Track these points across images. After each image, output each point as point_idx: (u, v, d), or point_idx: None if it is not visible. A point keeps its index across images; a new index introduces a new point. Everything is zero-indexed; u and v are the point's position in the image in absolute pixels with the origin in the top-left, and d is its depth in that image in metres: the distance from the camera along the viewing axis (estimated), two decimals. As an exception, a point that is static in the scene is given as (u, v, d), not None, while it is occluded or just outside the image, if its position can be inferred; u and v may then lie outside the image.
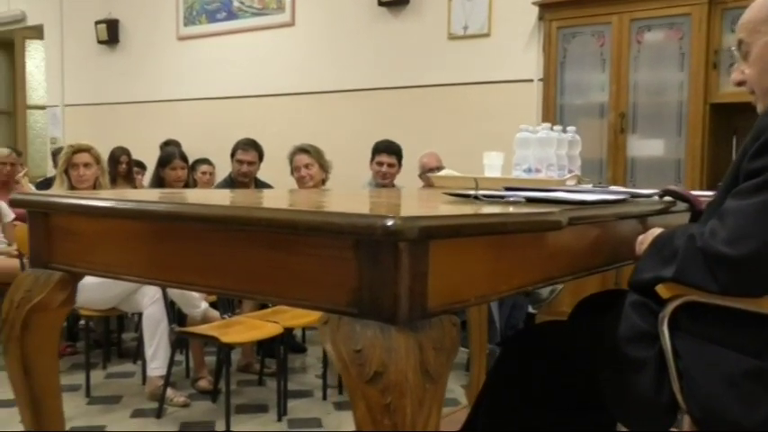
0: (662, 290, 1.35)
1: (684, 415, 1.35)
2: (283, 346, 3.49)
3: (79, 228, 1.36)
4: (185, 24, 6.46)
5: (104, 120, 7.09)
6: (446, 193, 1.57)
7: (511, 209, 1.34)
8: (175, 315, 3.66)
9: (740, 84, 1.51)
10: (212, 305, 3.73)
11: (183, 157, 4.24)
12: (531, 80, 4.83)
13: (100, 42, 7.00)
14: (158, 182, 4.27)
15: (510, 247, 1.21)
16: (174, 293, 3.55)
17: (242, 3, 6.12)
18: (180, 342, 3.59)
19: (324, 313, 1.04)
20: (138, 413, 3.38)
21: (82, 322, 4.34)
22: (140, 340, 4.15)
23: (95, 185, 3.88)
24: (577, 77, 4.49)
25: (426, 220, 0.99)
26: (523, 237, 1.24)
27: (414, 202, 1.54)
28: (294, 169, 4.03)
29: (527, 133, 2.40)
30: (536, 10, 4.72)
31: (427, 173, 4.43)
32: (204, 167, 5.47)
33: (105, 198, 1.32)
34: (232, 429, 3.10)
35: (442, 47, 5.21)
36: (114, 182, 4.77)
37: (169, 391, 3.41)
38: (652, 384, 1.31)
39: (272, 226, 1.06)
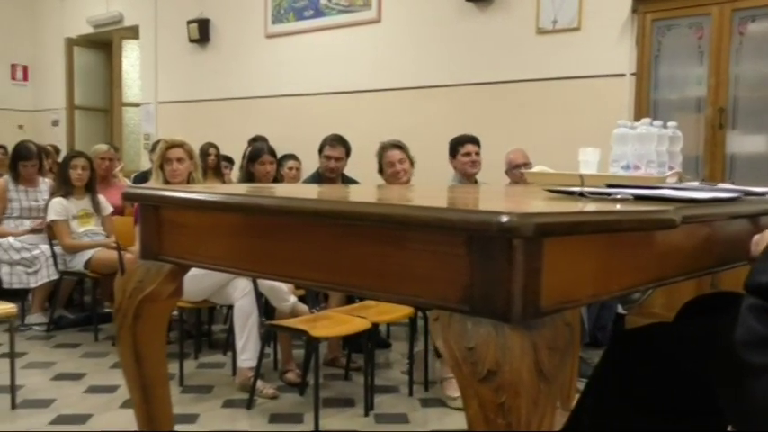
0: (782, 293, 1.28)
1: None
2: (370, 342, 3.51)
3: (188, 221, 1.39)
4: (273, 22, 6.57)
5: (195, 116, 7.30)
6: (548, 190, 1.54)
7: (618, 206, 1.30)
8: (265, 308, 3.71)
9: None
10: (300, 299, 3.79)
11: (273, 153, 4.31)
12: (623, 75, 4.70)
13: (191, 41, 7.21)
14: (248, 177, 4.36)
15: (622, 246, 1.18)
16: (264, 287, 3.62)
17: (329, 0, 6.18)
18: (268, 335, 3.65)
19: (434, 310, 1.03)
20: (228, 403, 3.46)
21: (175, 313, 4.48)
22: (230, 332, 4.26)
23: (189, 180, 3.98)
24: (672, 71, 4.34)
25: (542, 216, 0.97)
26: (635, 235, 1.21)
27: (518, 198, 1.52)
28: (386, 165, 4.04)
29: (625, 129, 2.33)
30: (629, 2, 4.59)
31: (513, 169, 4.37)
32: (291, 163, 5.55)
33: (214, 192, 1.35)
34: (320, 422, 3.14)
35: (529, 42, 5.13)
36: (204, 176, 4.91)
37: (259, 383, 3.47)
38: None
39: (384, 221, 1.05)
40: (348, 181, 4.68)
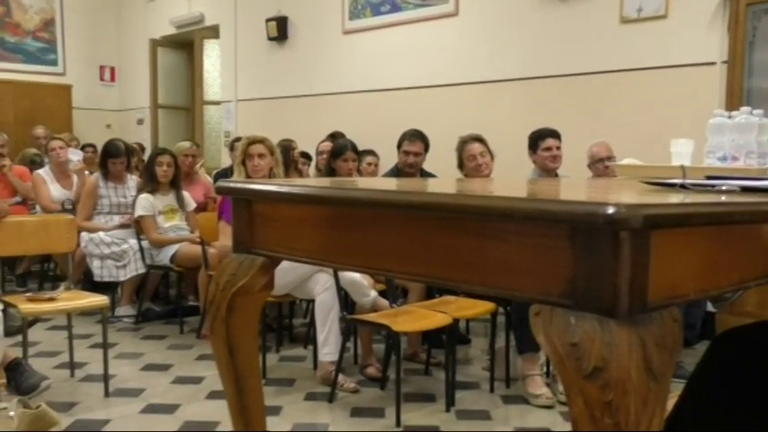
0: None
1: None
2: (450, 337, 3.49)
3: (280, 214, 1.40)
4: (350, 18, 6.61)
5: (273, 113, 7.41)
6: (646, 182, 1.49)
7: (723, 198, 1.24)
8: (346, 302, 3.73)
9: None
10: (381, 294, 3.79)
11: (355, 150, 4.32)
12: (714, 63, 4.51)
13: (270, 39, 7.31)
14: (330, 173, 4.38)
15: (731, 240, 1.12)
16: (345, 281, 3.64)
17: (406, -5, 6.18)
18: (348, 329, 3.67)
19: (535, 305, 1.00)
20: (310, 396, 3.50)
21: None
22: (310, 326, 4.31)
23: (270, 175, 4.04)
24: (768, 59, 4.15)
25: (650, 208, 0.93)
26: (744, 228, 1.15)
27: (618, 190, 1.47)
28: (467, 159, 4.00)
29: (722, 119, 2.23)
30: (720, -12, 4.41)
31: (596, 163, 4.26)
32: (369, 158, 5.56)
33: (307, 185, 1.35)
34: (401, 417, 3.14)
35: (613, 31, 4.99)
36: (286, 172, 4.97)
37: (340, 377, 3.49)
38: None
39: (483, 213, 1.03)
40: (426, 176, 4.66)
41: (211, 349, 3.96)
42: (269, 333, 4.42)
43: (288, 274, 3.56)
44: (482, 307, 3.59)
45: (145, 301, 5.01)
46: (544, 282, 1.00)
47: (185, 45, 8.91)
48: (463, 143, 4.07)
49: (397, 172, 4.56)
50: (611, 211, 0.90)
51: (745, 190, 1.31)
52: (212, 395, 3.49)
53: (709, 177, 1.62)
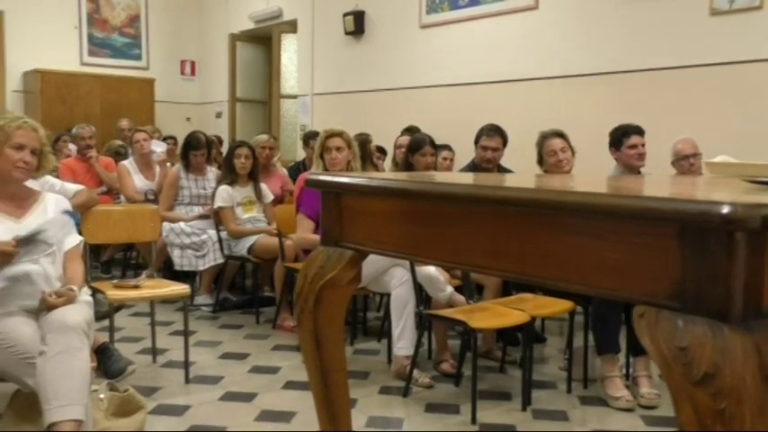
0: None
1: None
2: (527, 335, 3.44)
3: (369, 207, 1.39)
4: (428, 12, 6.57)
5: (349, 107, 7.45)
6: (751, 181, 1.42)
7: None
8: (421, 297, 3.72)
9: None
10: (457, 290, 3.77)
11: (434, 144, 4.29)
12: (811, 57, 4.30)
13: (347, 33, 7.35)
14: (407, 167, 4.37)
15: None
16: (422, 276, 3.63)
17: (484, -12, 6.11)
18: (423, 324, 3.65)
19: (639, 306, 0.96)
20: (384, 390, 3.50)
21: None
22: (384, 320, 4.32)
23: (347, 169, 4.06)
24: None
25: (768, 208, 0.88)
26: None
27: (724, 189, 1.40)
28: (547, 154, 3.93)
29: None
30: (821, -25, 4.19)
31: (681, 160, 4.12)
32: (445, 153, 5.52)
33: (397, 179, 1.34)
34: (477, 415, 3.11)
35: (701, 24, 4.81)
36: (363, 166, 4.99)
37: (414, 372, 3.48)
38: None
39: (584, 211, 1.00)
40: (504, 171, 4.60)
41: (287, 340, 4.02)
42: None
43: (366, 267, 3.52)
44: (560, 305, 3.52)
45: (222, 291, 5.11)
46: (648, 282, 0.96)
47: (263, 40, 9.05)
48: (543, 138, 3.99)
49: (474, 167, 4.51)
50: (726, 210, 0.86)
51: None
52: (289, 385, 3.54)
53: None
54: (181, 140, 6.92)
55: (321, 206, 1.49)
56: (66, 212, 2.47)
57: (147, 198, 5.65)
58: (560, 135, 3.97)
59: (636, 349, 3.45)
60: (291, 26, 8.35)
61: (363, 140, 5.35)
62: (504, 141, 4.48)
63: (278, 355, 4.04)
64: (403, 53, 6.90)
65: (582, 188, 1.35)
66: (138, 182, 5.76)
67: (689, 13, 4.86)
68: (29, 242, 2.37)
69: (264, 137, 5.95)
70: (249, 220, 4.99)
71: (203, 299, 5.07)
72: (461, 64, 6.35)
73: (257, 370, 3.77)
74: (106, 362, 3.16)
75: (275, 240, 4.57)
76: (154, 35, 9.60)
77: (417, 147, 4.15)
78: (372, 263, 3.58)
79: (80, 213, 3.58)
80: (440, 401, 3.36)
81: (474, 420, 3.08)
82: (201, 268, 5.04)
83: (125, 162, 5.93)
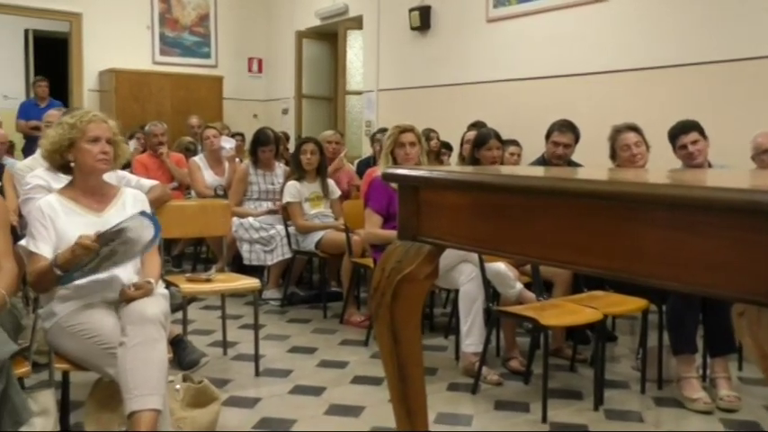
0: None
1: None
2: (599, 333, 3.37)
3: (447, 201, 1.38)
4: (495, 6, 6.50)
5: (414, 103, 7.44)
6: None
7: None
8: (491, 294, 3.68)
9: None
10: (526, 286, 3.72)
11: (499, 139, 4.25)
12: None
13: (413, 29, 7.33)
14: (474, 163, 4.34)
15: None
16: (491, 272, 3.59)
17: (553, -20, 6.00)
18: (491, 321, 3.62)
19: (738, 304, 0.92)
20: (453, 386, 3.48)
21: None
22: (452, 316, 4.30)
23: (418, 164, 4.04)
24: None
25: None
26: None
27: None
28: (620, 149, 3.83)
29: None
30: None
31: (762, 155, 3.97)
32: (512, 149, 5.46)
33: (478, 172, 1.32)
34: (548, 414, 3.06)
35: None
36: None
37: (483, 369, 3.45)
38: None
39: (678, 204, 0.96)
40: (574, 166, 4.51)
41: (354, 335, 4.05)
42: (410, 321, 4.45)
43: (433, 263, 3.54)
44: (634, 303, 3.44)
45: (290, 286, 5.17)
46: (748, 279, 0.92)
47: (329, 36, 9.10)
48: (617, 132, 3.89)
49: (543, 162, 4.45)
50: (837, 203, 0.81)
51: None
52: (357, 380, 3.55)
53: None
54: (248, 137, 7.03)
55: (398, 200, 1.49)
56: (144, 214, 2.52)
57: (216, 193, 5.75)
58: (634, 129, 3.86)
59: (714, 349, 3.34)
60: (357, 22, 8.37)
61: (429, 135, 5.34)
62: (576, 138, 4.40)
63: (346, 350, 4.06)
64: (469, 48, 6.84)
65: (664, 181, 1.31)
66: (209, 177, 5.87)
67: (770, 1, 4.68)
68: (108, 239, 2.43)
69: (331, 132, 6.00)
70: (317, 215, 5.03)
71: (271, 293, 5.13)
72: (529, 58, 6.26)
73: (325, 364, 3.80)
74: (180, 353, 3.23)
75: (343, 236, 4.60)
76: (222, 33, 9.77)
77: (483, 141, 4.11)
78: (441, 258, 3.56)
79: (155, 208, 3.67)
80: (509, 399, 3.32)
81: (545, 419, 3.04)
82: (270, 263, 5.10)
83: (195, 158, 6.05)
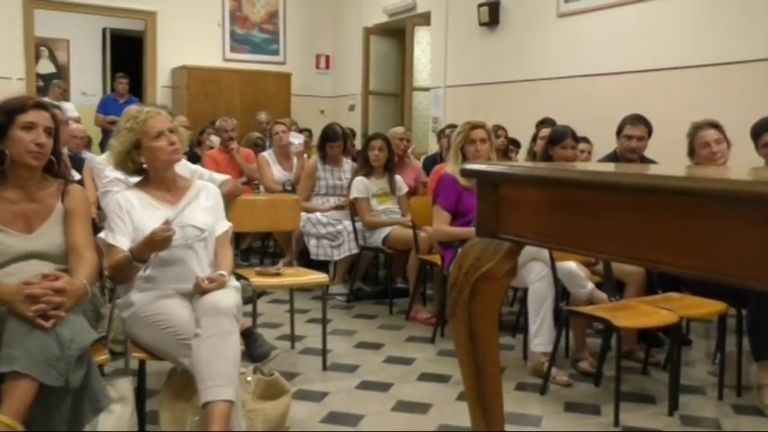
0: None
1: None
2: (674, 337, 3.27)
3: (529, 198, 1.35)
4: (566, 1, 6.38)
5: (481, 99, 7.37)
6: None
7: None
8: (561, 293, 3.61)
9: None
10: (597, 286, 3.64)
11: (575, 137, 4.16)
12: None
13: (481, 24, 7.26)
14: (546, 160, 4.26)
15: None
16: (561, 271, 3.53)
17: (627, -27, 5.84)
18: (561, 320, 3.55)
19: None
20: (521, 386, 3.43)
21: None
22: (519, 315, 4.24)
23: (487, 161, 4.00)
24: None
25: None
26: None
27: None
28: (699, 146, 3.71)
29: None
30: None
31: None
32: (583, 146, 5.33)
33: (563, 168, 1.29)
34: (620, 417, 2.98)
35: None
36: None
37: (552, 369, 3.39)
38: None
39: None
40: (648, 163, 4.39)
41: (420, 331, 4.03)
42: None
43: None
44: (711, 307, 3.32)
45: (356, 281, 5.19)
46: None
47: (397, 32, 9.10)
48: (696, 129, 3.77)
49: (614, 158, 4.34)
50: None
51: None
52: (423, 377, 3.54)
53: None
54: (315, 133, 7.09)
55: (477, 196, 1.46)
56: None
57: (284, 188, 5.81)
58: (715, 126, 3.73)
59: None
60: (425, 18, 8.34)
61: (497, 132, 5.28)
62: (649, 131, 4.28)
63: (412, 347, 4.05)
64: (539, 43, 6.73)
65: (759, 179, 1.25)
66: (277, 173, 5.93)
67: None
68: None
69: (401, 129, 5.99)
70: (384, 211, 5.03)
71: (337, 288, 5.16)
72: (600, 54, 6.12)
73: (392, 360, 3.80)
74: (251, 346, 3.28)
75: (409, 232, 4.59)
76: (291, 30, 9.88)
77: (559, 139, 4.04)
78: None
79: (227, 202, 3.72)
80: (579, 401, 3.26)
81: (617, 422, 2.97)
82: (336, 258, 5.13)
83: (264, 153, 6.13)
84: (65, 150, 4.41)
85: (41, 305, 2.10)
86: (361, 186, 4.96)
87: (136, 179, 2.88)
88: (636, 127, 4.22)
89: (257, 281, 3.62)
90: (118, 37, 11.16)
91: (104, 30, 11.22)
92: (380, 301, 5.06)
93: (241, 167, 6.26)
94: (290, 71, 9.72)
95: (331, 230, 5.14)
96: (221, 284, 2.54)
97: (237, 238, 6.28)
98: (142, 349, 2.56)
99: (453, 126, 5.03)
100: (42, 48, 10.57)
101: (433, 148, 7.69)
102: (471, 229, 3.77)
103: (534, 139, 5.41)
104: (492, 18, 7.13)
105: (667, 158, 4.33)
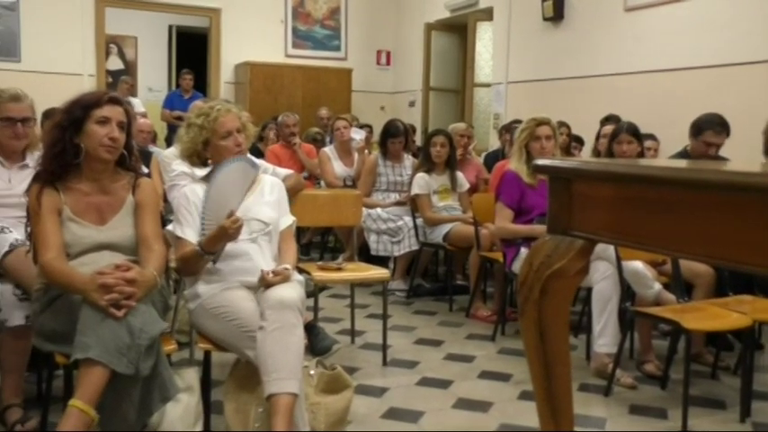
0: None
1: None
2: (746, 340, 3.16)
3: (605, 195, 1.32)
4: (634, -6, 6.23)
5: (544, 95, 7.26)
6: None
7: None
8: (627, 293, 3.53)
9: None
10: (665, 287, 3.55)
11: (634, 132, 4.07)
12: None
13: (545, 20, 7.15)
14: (610, 157, 4.18)
15: None
16: (627, 271, 3.45)
17: (699, -34, 5.66)
18: (626, 321, 3.47)
19: None
20: (584, 387, 3.37)
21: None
22: (581, 315, 4.17)
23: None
24: None
25: None
26: None
27: None
28: (778, 144, 3.59)
29: None
30: None
31: None
32: (649, 143, 5.21)
33: (639, 165, 1.25)
34: (688, 422, 2.90)
35: None
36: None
37: (617, 371, 3.33)
38: None
39: None
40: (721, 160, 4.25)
41: (480, 329, 3.99)
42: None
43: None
44: (790, 310, 3.20)
45: (416, 277, 5.18)
46: None
47: (458, 28, 9.04)
48: (775, 126, 3.64)
49: (686, 157, 4.22)
50: None
51: None
52: (484, 375, 3.51)
53: None
54: (375, 129, 7.10)
55: (548, 193, 1.44)
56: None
57: (345, 184, 5.84)
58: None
59: None
60: (487, 14, 8.26)
61: (560, 129, 5.18)
62: (727, 133, 4.13)
63: (472, 344, 4.03)
64: (605, 38, 6.59)
65: None
66: (338, 168, 5.96)
67: None
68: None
69: (462, 125, 5.95)
70: (445, 207, 5.01)
71: (397, 284, 5.15)
72: (669, 48, 5.95)
73: (452, 357, 3.78)
74: (313, 339, 3.30)
75: (471, 229, 4.56)
76: (352, 26, 9.91)
77: (615, 134, 3.97)
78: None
79: (290, 196, 3.76)
80: (644, 404, 3.18)
81: (685, 427, 2.89)
82: (397, 254, 5.13)
83: (326, 149, 6.17)
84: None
85: (114, 294, 2.15)
86: (422, 183, 4.94)
87: (202, 173, 2.93)
88: (719, 135, 4.03)
89: (319, 275, 3.64)
90: (183, 34, 11.39)
91: (170, 27, 11.47)
92: (440, 298, 5.04)
93: (303, 163, 6.31)
94: (351, 67, 9.75)
95: (391, 226, 5.14)
96: (286, 278, 2.56)
97: (298, 232, 6.31)
98: (208, 340, 2.60)
99: (518, 122, 4.96)
100: (111, 45, 10.86)
101: (494, 144, 7.61)
102: (534, 227, 3.78)
103: (598, 136, 5.31)
104: (556, 13, 7.01)
105: (739, 156, 4.18)
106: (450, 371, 3.56)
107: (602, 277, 3.48)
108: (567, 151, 5.90)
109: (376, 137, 6.77)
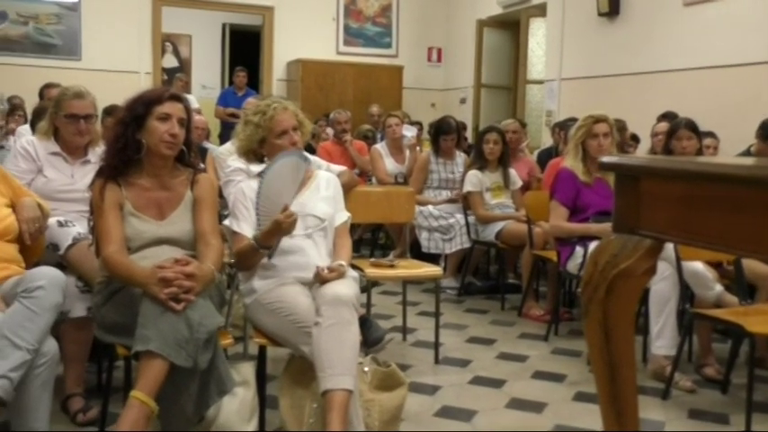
0: None
1: None
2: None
3: (674, 193, 1.28)
4: (694, -12, 6.08)
5: (598, 92, 7.14)
6: None
7: None
8: (686, 295, 3.45)
9: None
10: (727, 289, 3.45)
11: (693, 128, 3.97)
12: None
13: (600, 15, 7.03)
14: (667, 153, 4.09)
15: None
16: (687, 272, 3.37)
17: (763, -42, 5.49)
18: (685, 323, 3.39)
19: None
20: (641, 390, 3.28)
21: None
22: (638, 315, 4.08)
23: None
24: None
25: None
26: None
27: None
28: None
29: None
30: None
31: None
32: (708, 141, 5.08)
33: (713, 162, 1.22)
34: (752, 428, 2.82)
35: None
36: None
37: (675, 374, 3.25)
38: None
39: None
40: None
41: (533, 329, 3.95)
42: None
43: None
44: None
45: (467, 275, 5.15)
46: None
47: (511, 24, 8.95)
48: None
49: (748, 155, 4.10)
50: None
51: None
52: (537, 375, 3.47)
53: None
54: (426, 126, 7.06)
55: (615, 191, 1.40)
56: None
57: (396, 181, 5.83)
58: None
59: None
60: (540, 10, 8.16)
61: (620, 127, 5.09)
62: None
63: (524, 344, 3.98)
64: (662, 33, 6.44)
65: None
66: (390, 165, 5.96)
67: None
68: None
69: (510, 121, 5.89)
70: (497, 205, 4.96)
71: (448, 282, 5.12)
72: (730, 44, 5.78)
73: (504, 357, 3.75)
74: (366, 332, 3.30)
75: (524, 227, 4.51)
76: (403, 23, 9.90)
77: (672, 130, 3.88)
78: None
79: (344, 192, 3.76)
80: (704, 408, 3.11)
81: (748, 433, 2.81)
82: (448, 251, 5.10)
83: (377, 146, 6.17)
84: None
85: (173, 288, 2.18)
86: (474, 180, 4.91)
87: (257, 169, 2.95)
88: None
89: (372, 272, 3.65)
90: (236, 32, 11.53)
91: (224, 25, 11.62)
92: (491, 297, 5.00)
93: (354, 159, 6.32)
94: (402, 64, 9.74)
95: (443, 223, 5.12)
96: (341, 274, 2.57)
97: (350, 228, 6.35)
98: (263, 335, 2.62)
99: (573, 119, 4.89)
100: (167, 43, 11.05)
101: (547, 141, 7.52)
102: (590, 226, 3.72)
103: (654, 134, 5.21)
104: (612, 8, 6.88)
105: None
106: (502, 370, 3.53)
107: (660, 278, 3.40)
108: (621, 149, 5.80)
109: (426, 134, 6.74)
